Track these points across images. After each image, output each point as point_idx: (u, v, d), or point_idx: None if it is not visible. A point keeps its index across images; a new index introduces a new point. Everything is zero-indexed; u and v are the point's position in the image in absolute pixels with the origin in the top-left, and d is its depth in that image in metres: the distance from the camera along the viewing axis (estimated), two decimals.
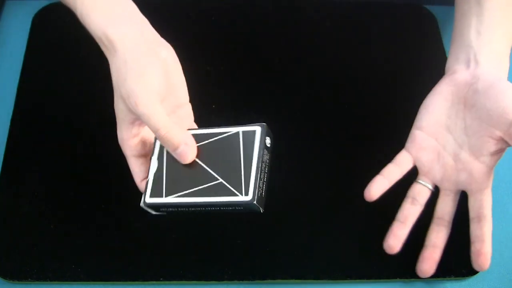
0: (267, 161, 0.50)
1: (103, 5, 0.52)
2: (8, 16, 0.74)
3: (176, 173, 0.50)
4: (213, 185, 0.48)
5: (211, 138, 0.51)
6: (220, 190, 0.48)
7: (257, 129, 0.49)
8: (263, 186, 0.48)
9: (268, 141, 0.50)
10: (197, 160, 0.50)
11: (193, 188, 0.49)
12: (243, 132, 0.50)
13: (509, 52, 0.57)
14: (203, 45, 0.71)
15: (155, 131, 0.49)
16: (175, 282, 0.56)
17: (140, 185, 0.54)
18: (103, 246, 0.57)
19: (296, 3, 0.75)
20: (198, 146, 0.50)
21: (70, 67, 0.68)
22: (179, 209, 0.50)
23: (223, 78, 0.69)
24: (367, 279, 0.57)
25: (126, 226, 0.58)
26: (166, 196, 0.50)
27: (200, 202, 0.48)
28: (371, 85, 0.69)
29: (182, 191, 0.49)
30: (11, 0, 0.76)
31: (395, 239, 0.54)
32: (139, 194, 0.60)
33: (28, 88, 0.66)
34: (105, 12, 0.52)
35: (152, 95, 0.49)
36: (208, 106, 0.65)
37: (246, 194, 0.47)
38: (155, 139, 0.53)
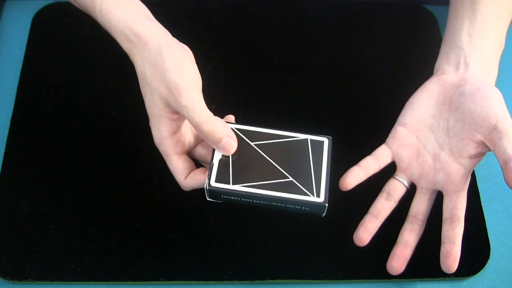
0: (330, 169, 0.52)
1: (126, 3, 0.53)
2: (8, 16, 0.74)
3: (243, 164, 0.51)
4: (283, 182, 0.50)
5: (277, 139, 0.52)
6: (291, 188, 0.50)
7: (325, 140, 0.54)
8: (328, 189, 0.51)
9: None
10: (265, 155, 0.51)
11: (262, 181, 0.50)
12: (312, 140, 0.53)
13: (498, 57, 0.57)
14: (203, 45, 0.71)
15: (198, 124, 0.48)
16: (175, 282, 0.56)
17: (184, 183, 0.53)
18: (103, 246, 0.57)
19: (296, 3, 0.75)
20: (264, 144, 0.52)
21: (70, 67, 0.68)
22: (243, 199, 0.51)
23: (223, 78, 0.69)
24: (367, 279, 0.57)
25: (126, 226, 0.58)
26: (233, 183, 0.50)
27: (271, 195, 0.49)
28: (371, 84, 0.69)
29: (250, 182, 0.50)
30: (11, 0, 0.76)
31: (365, 232, 0.55)
32: (139, 194, 0.60)
33: (28, 88, 0.66)
34: (129, 10, 0.52)
35: (194, 87, 0.49)
36: (208, 106, 0.65)
37: (318, 196, 0.50)
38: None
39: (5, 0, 0.76)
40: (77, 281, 0.55)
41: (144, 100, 0.52)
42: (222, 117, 0.64)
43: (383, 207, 0.55)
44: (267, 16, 0.74)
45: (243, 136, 0.52)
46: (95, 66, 0.68)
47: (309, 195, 0.50)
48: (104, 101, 0.65)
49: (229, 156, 0.51)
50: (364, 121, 0.66)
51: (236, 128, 0.53)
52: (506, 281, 0.58)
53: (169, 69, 0.48)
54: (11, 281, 0.55)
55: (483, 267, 0.58)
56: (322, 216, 0.52)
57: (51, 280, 0.55)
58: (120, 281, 0.55)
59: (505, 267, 0.59)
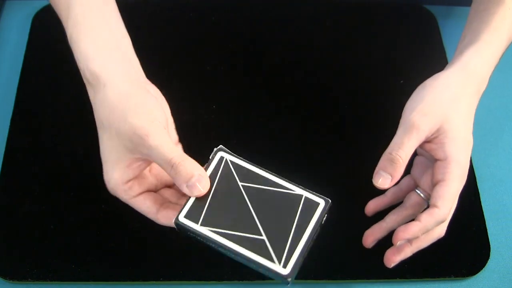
0: (316, 237, 0.46)
1: (95, 35, 0.49)
2: (8, 16, 0.74)
3: (220, 206, 0.46)
4: (253, 238, 0.45)
5: (270, 186, 0.47)
6: (259, 247, 0.44)
7: (321, 202, 0.46)
8: (301, 260, 0.45)
9: (324, 218, 0.47)
10: (248, 201, 0.46)
11: (232, 230, 0.45)
12: (306, 198, 0.46)
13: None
14: (203, 45, 0.71)
15: (167, 162, 0.44)
16: (175, 282, 0.56)
17: (160, 219, 0.49)
18: (103, 246, 0.57)
19: (296, 3, 0.75)
20: (252, 188, 0.46)
21: (70, 67, 0.68)
22: (208, 243, 0.46)
23: (223, 78, 0.69)
24: (367, 279, 0.57)
25: (126, 226, 0.58)
26: (201, 225, 0.45)
27: (232, 248, 0.44)
28: (371, 84, 0.69)
29: (219, 228, 0.45)
30: (11, 0, 0.76)
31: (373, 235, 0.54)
32: None
33: (28, 88, 0.66)
34: (97, 41, 0.49)
35: (159, 128, 0.45)
36: (208, 106, 0.65)
37: (284, 266, 0.44)
38: (211, 157, 0.48)
39: (5, 0, 0.76)
40: (77, 281, 0.55)
41: (100, 144, 0.48)
42: (222, 116, 0.64)
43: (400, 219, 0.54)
44: (267, 16, 0.74)
45: (234, 172, 0.47)
46: None
47: (274, 262, 0.44)
48: None
49: (209, 193, 0.46)
50: (364, 121, 0.66)
51: (230, 160, 0.48)
52: (506, 281, 0.58)
53: (131, 113, 0.45)
54: (11, 281, 0.55)
55: (483, 267, 0.58)
56: (288, 285, 0.45)
57: (51, 280, 0.55)
58: (120, 281, 0.55)
59: (505, 267, 0.59)
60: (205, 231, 0.45)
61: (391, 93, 0.68)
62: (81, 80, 0.68)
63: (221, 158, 0.48)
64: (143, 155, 0.46)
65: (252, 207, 0.46)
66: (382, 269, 0.57)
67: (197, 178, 0.45)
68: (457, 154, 0.49)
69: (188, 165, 0.45)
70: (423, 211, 0.49)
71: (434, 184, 0.49)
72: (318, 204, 0.46)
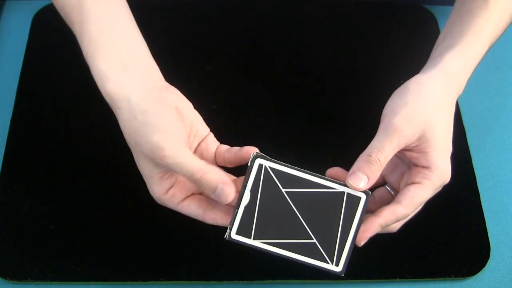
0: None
1: (110, 51, 0.50)
2: (8, 16, 0.74)
3: (269, 214, 0.48)
4: (305, 243, 0.47)
5: (312, 188, 0.48)
6: (311, 251, 0.47)
7: (362, 196, 0.48)
8: (351, 254, 0.48)
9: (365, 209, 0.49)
10: (294, 207, 0.48)
11: (284, 239, 0.47)
12: (348, 194, 0.48)
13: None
14: (203, 45, 0.71)
15: (189, 176, 0.45)
16: (175, 282, 0.56)
17: (208, 220, 0.49)
18: (103, 246, 0.57)
19: (296, 3, 0.75)
20: (295, 192, 0.48)
21: (70, 67, 0.68)
22: (260, 251, 0.48)
23: (223, 78, 0.69)
24: (367, 279, 0.57)
25: (126, 226, 0.58)
26: (254, 238, 0.48)
27: (287, 256, 0.47)
28: (371, 84, 0.69)
29: (272, 239, 0.48)
30: (11, 0, 0.76)
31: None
32: (139, 194, 0.60)
33: (28, 88, 0.66)
34: (111, 61, 0.49)
35: (176, 142, 0.46)
36: (208, 106, 0.65)
37: (337, 264, 0.48)
38: (249, 164, 0.48)
39: (5, 0, 0.76)
40: (77, 281, 0.55)
41: (136, 161, 0.49)
42: (222, 116, 0.64)
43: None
44: (267, 16, 0.74)
45: (276, 180, 0.48)
46: None
47: (328, 262, 0.48)
48: (104, 101, 0.65)
49: (255, 203, 0.48)
50: (364, 121, 0.66)
51: (270, 167, 0.48)
52: (506, 281, 0.58)
53: (145, 133, 0.46)
54: (11, 281, 0.55)
55: (483, 267, 0.58)
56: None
57: (51, 280, 0.55)
58: (120, 281, 0.55)
59: (505, 267, 0.59)
60: (258, 244, 0.48)
61: (391, 93, 0.68)
62: (81, 80, 0.68)
63: (260, 165, 0.48)
64: (167, 171, 0.48)
65: (299, 212, 0.48)
66: (382, 269, 0.57)
67: (221, 188, 0.45)
68: (441, 164, 0.48)
69: (210, 178, 0.45)
70: (384, 208, 0.48)
71: (406, 183, 0.49)
72: (359, 198, 0.48)
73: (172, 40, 0.72)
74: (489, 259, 0.58)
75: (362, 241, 0.48)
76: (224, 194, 0.45)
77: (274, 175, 0.48)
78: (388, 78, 0.69)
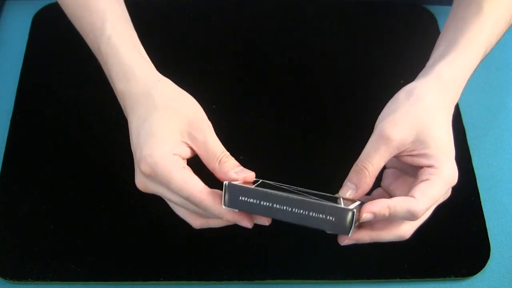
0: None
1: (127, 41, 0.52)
2: (8, 16, 0.74)
3: (269, 187, 0.46)
4: (309, 197, 0.44)
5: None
6: (317, 198, 0.44)
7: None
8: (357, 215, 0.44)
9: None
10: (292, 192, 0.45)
11: (287, 192, 0.45)
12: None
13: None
14: (203, 45, 0.71)
15: (217, 154, 0.47)
16: (175, 282, 0.56)
17: (207, 198, 0.45)
18: (103, 246, 0.57)
19: (296, 3, 0.75)
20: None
21: (70, 67, 0.68)
22: (264, 203, 0.44)
23: (223, 78, 0.69)
24: (367, 279, 0.57)
25: (126, 226, 0.58)
26: (256, 187, 0.44)
27: (295, 198, 0.43)
28: (371, 84, 0.69)
29: (274, 190, 0.44)
30: (11, 0, 0.76)
31: None
32: (139, 194, 0.60)
33: (28, 88, 0.66)
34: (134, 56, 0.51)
35: (173, 163, 0.45)
36: (208, 106, 0.65)
37: (347, 205, 0.43)
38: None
39: (5, 0, 0.76)
40: (77, 281, 0.55)
41: (144, 123, 0.47)
42: (221, 116, 0.64)
43: None
44: (267, 16, 0.74)
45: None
46: (95, 66, 0.68)
47: (337, 203, 0.43)
48: (104, 101, 0.65)
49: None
50: (364, 121, 0.66)
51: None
52: (506, 281, 0.58)
53: (194, 101, 0.50)
54: (11, 281, 0.55)
55: (483, 267, 0.58)
56: (348, 235, 0.43)
57: (51, 280, 0.55)
58: (120, 281, 0.55)
59: (505, 267, 0.59)
60: (262, 189, 0.44)
61: (391, 93, 0.68)
62: (81, 80, 0.68)
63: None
64: (193, 141, 0.47)
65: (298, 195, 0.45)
66: (382, 269, 0.57)
67: (237, 172, 0.47)
68: (444, 160, 0.46)
69: (231, 163, 0.47)
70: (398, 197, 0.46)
71: (416, 184, 0.47)
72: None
73: (172, 40, 0.72)
74: (489, 259, 0.58)
75: (364, 212, 0.44)
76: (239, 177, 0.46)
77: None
78: (388, 78, 0.69)
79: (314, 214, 0.43)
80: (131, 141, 0.49)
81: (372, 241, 0.48)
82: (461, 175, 0.59)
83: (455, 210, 0.61)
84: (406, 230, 0.48)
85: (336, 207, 0.43)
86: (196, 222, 0.49)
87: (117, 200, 0.59)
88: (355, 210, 0.42)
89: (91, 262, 0.56)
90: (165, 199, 0.49)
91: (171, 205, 0.50)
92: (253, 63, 0.70)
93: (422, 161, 0.47)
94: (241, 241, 0.58)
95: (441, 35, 0.56)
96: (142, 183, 0.48)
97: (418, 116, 0.47)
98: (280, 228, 0.59)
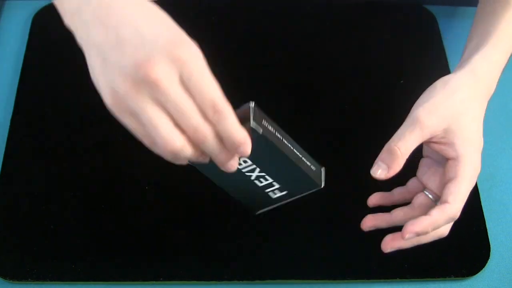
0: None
1: None
2: (8, 16, 0.74)
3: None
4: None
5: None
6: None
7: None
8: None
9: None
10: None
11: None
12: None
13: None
14: (202, 45, 0.71)
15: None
16: (175, 282, 0.56)
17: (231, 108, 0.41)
18: (103, 246, 0.57)
19: (296, 3, 0.75)
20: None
21: (70, 67, 0.68)
22: (277, 134, 0.46)
23: (223, 78, 0.68)
24: (367, 279, 0.57)
25: (126, 226, 0.58)
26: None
27: (296, 144, 0.49)
28: (371, 84, 0.69)
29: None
30: (11, 0, 0.76)
31: (373, 221, 0.52)
32: (139, 194, 0.60)
33: (28, 88, 0.66)
34: None
35: None
36: None
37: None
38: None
39: (5, 0, 0.76)
40: (77, 281, 0.55)
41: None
42: None
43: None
44: (267, 16, 0.74)
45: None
46: None
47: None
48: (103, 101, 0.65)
49: None
50: (365, 121, 0.66)
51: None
52: (506, 281, 0.58)
53: None
54: (11, 281, 0.55)
55: (483, 267, 0.58)
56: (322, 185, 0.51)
57: (51, 280, 0.55)
58: (120, 281, 0.55)
59: (505, 267, 0.59)
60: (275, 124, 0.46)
61: (391, 93, 0.68)
62: (81, 80, 0.68)
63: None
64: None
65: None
66: (382, 269, 0.57)
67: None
68: (469, 153, 0.49)
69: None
70: (434, 208, 0.48)
71: (445, 183, 0.49)
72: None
73: None
74: (489, 259, 0.58)
75: (407, 233, 0.47)
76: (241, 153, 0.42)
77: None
78: (388, 78, 0.69)
79: (305, 160, 0.49)
80: (128, 32, 0.41)
81: (413, 245, 0.50)
82: None
83: None
84: (444, 229, 0.50)
85: (316, 162, 0.51)
86: (179, 139, 0.41)
87: (117, 200, 0.59)
88: (323, 169, 0.52)
89: (91, 262, 0.56)
90: (167, 100, 0.40)
91: (156, 114, 0.40)
92: (253, 63, 0.70)
93: (449, 151, 0.49)
94: (241, 241, 0.58)
95: (473, 28, 0.58)
96: (160, 69, 0.39)
97: (453, 107, 0.49)
98: (281, 228, 0.59)
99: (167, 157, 0.42)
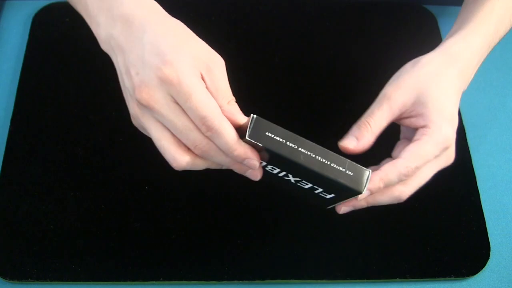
0: None
1: None
2: (8, 16, 0.74)
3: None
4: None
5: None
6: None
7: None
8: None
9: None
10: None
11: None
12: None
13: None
14: None
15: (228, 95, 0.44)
16: (175, 282, 0.56)
17: (226, 123, 0.43)
18: (103, 246, 0.57)
19: (296, 3, 0.75)
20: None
21: (70, 67, 0.68)
22: (289, 143, 0.43)
23: None
24: (367, 279, 0.57)
25: (126, 226, 0.58)
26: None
27: (319, 147, 0.44)
28: (371, 84, 0.69)
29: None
30: (11, 0, 0.76)
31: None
32: (139, 194, 0.60)
33: (28, 88, 0.66)
34: None
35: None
36: None
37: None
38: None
39: (5, 0, 0.76)
40: (77, 281, 0.55)
41: (161, 37, 0.44)
42: None
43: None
44: (267, 16, 0.74)
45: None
46: (95, 66, 0.68)
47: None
48: (104, 101, 0.65)
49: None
50: None
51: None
52: (506, 281, 0.58)
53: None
54: (11, 281, 0.55)
55: (483, 267, 0.58)
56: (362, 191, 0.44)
57: (51, 280, 0.55)
58: (120, 281, 0.55)
59: (505, 267, 0.59)
60: (289, 131, 0.44)
61: None
62: (81, 80, 0.68)
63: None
64: (208, 73, 0.45)
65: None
66: (382, 269, 0.57)
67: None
68: (437, 121, 0.48)
69: (239, 109, 0.46)
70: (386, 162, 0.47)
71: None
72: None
73: None
74: (489, 259, 0.58)
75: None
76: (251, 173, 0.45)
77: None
78: (388, 78, 0.69)
79: (334, 166, 0.44)
80: (133, 58, 0.44)
81: (369, 205, 0.49)
82: (461, 175, 0.59)
83: (455, 210, 0.61)
84: (401, 191, 0.48)
85: (356, 164, 0.44)
86: (184, 158, 0.44)
87: (117, 200, 0.59)
88: (370, 171, 0.44)
89: (91, 262, 0.56)
90: (163, 120, 0.43)
91: (158, 134, 0.44)
92: (253, 63, 0.70)
93: (419, 121, 0.48)
94: (241, 241, 0.58)
95: (456, 20, 0.57)
96: (150, 92, 0.42)
97: (420, 80, 0.49)
98: (281, 228, 0.59)
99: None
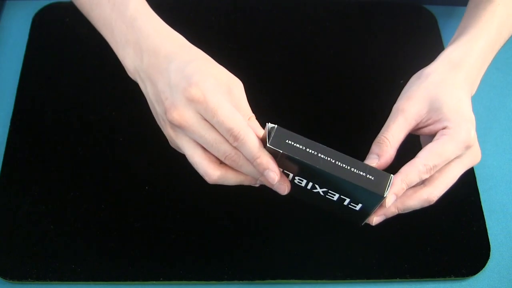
0: None
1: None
2: (8, 16, 0.74)
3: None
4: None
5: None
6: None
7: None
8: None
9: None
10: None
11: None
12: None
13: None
14: (202, 45, 0.71)
15: (247, 113, 0.49)
16: (175, 282, 0.56)
17: (251, 133, 0.46)
18: (103, 246, 0.57)
19: (296, 3, 0.75)
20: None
21: (70, 67, 0.68)
22: (308, 150, 0.45)
23: None
24: (367, 279, 0.57)
25: (126, 226, 0.58)
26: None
27: (338, 153, 0.44)
28: (371, 84, 0.69)
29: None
30: (11, 0, 0.76)
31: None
32: (139, 194, 0.60)
33: (28, 88, 0.66)
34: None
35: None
36: None
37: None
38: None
39: (5, 0, 0.76)
40: (77, 281, 0.55)
41: (189, 64, 0.48)
42: None
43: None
44: (267, 16, 0.74)
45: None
46: (95, 66, 0.68)
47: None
48: (104, 101, 0.66)
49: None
50: (364, 121, 0.66)
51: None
52: (506, 281, 0.58)
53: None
54: (11, 281, 0.55)
55: (483, 267, 0.58)
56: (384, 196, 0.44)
57: (51, 280, 0.55)
58: (120, 281, 0.55)
59: (505, 267, 0.59)
60: (308, 139, 0.45)
61: (391, 93, 0.68)
62: (81, 80, 0.68)
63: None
64: (229, 94, 0.48)
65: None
66: (382, 269, 0.57)
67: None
68: (456, 120, 0.48)
69: (259, 124, 0.48)
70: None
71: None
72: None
73: None
74: (489, 259, 0.58)
75: (387, 197, 0.45)
76: (278, 187, 0.47)
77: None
78: (388, 78, 0.69)
79: (355, 170, 0.45)
80: (161, 85, 0.47)
81: (400, 211, 0.49)
82: (461, 175, 0.59)
83: (455, 210, 0.61)
84: (429, 193, 0.48)
85: (377, 169, 0.45)
86: (215, 173, 0.47)
87: (117, 200, 0.59)
88: (392, 175, 0.45)
89: (91, 262, 0.56)
90: (194, 136, 0.47)
91: (191, 151, 0.48)
92: (253, 63, 0.70)
93: (437, 126, 0.49)
94: (241, 241, 0.58)
95: (458, 26, 0.58)
96: (180, 112, 0.46)
97: (429, 89, 0.50)
98: (281, 228, 0.59)
99: None
